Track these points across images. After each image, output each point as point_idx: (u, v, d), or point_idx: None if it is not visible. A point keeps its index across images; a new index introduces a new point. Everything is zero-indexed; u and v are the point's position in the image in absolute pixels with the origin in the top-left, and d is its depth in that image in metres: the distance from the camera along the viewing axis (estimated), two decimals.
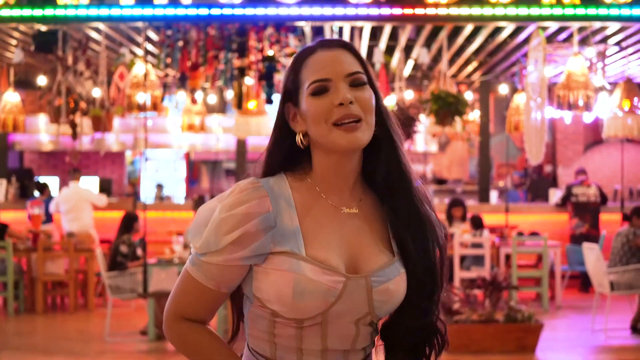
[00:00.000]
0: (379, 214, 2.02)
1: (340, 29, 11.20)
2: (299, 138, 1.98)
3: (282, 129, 2.01)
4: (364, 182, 2.03)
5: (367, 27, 11.02)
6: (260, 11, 9.84)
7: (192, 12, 9.91)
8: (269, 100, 10.30)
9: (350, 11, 9.87)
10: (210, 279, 1.93)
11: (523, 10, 9.86)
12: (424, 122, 12.27)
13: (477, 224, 11.46)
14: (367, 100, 1.94)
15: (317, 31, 11.42)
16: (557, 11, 9.89)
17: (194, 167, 19.40)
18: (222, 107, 16.35)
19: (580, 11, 9.86)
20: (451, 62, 13.06)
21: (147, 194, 16.52)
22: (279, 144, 2.01)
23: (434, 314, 2.03)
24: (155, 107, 10.39)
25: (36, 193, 13.39)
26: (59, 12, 9.92)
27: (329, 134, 1.91)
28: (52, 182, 15.68)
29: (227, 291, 1.96)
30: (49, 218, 12.61)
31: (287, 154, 2.01)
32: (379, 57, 11.45)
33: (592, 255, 9.81)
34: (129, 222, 10.44)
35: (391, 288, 1.94)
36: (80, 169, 13.29)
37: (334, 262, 1.91)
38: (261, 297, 1.92)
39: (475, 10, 9.87)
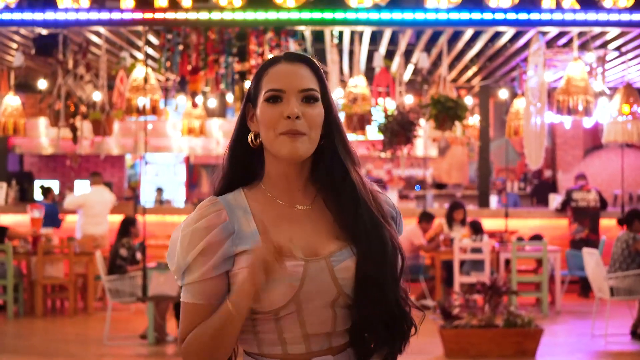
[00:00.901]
0: (332, 210, 2.14)
1: (341, 33, 11.21)
2: (250, 136, 2.13)
3: (241, 127, 2.16)
4: (316, 183, 2.14)
5: (367, 31, 11.03)
6: (260, 15, 9.86)
7: (193, 15, 9.92)
8: None
9: (350, 15, 9.88)
10: (199, 297, 2.06)
11: (523, 15, 9.88)
12: (424, 127, 12.27)
13: (476, 229, 11.46)
14: (315, 117, 2.07)
15: (317, 35, 11.44)
16: (557, 16, 9.91)
17: (194, 171, 19.40)
18: (222, 111, 16.37)
19: (580, 16, 9.88)
20: (451, 66, 13.07)
21: (147, 198, 16.51)
22: (238, 143, 2.16)
23: (395, 298, 2.08)
24: (154, 110, 10.39)
25: (38, 197, 13.41)
26: (60, 15, 9.94)
27: (274, 140, 2.05)
28: (52, 185, 15.69)
29: (217, 302, 2.05)
30: (53, 222, 12.60)
31: (245, 156, 2.15)
32: (379, 61, 11.45)
33: (591, 260, 9.81)
34: (126, 226, 10.44)
35: (351, 265, 2.06)
36: (99, 172, 13.40)
37: (290, 250, 2.03)
38: None
39: (475, 15, 9.89)
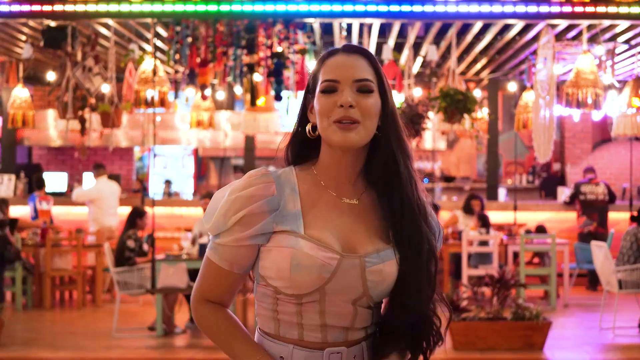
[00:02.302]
0: (378, 209, 2.16)
1: (349, 25, 11.19)
2: (308, 127, 2.17)
3: (302, 118, 2.21)
4: (366, 179, 2.17)
5: (376, 24, 11.01)
6: (269, 7, 9.84)
7: (201, 8, 9.91)
8: (278, 97, 10.29)
9: (359, 8, 9.86)
10: (224, 260, 2.12)
11: (532, 8, 9.84)
12: (433, 120, 12.25)
13: (484, 222, 11.46)
14: (369, 106, 2.09)
15: (326, 28, 11.42)
16: (567, 9, 9.86)
17: (202, 164, 19.41)
18: (230, 104, 16.36)
19: (590, 9, 9.84)
20: (460, 59, 13.04)
21: (155, 190, 16.54)
22: (297, 133, 2.21)
23: (426, 307, 2.14)
24: (163, 103, 10.40)
25: (48, 189, 13.43)
26: (68, 7, 9.93)
27: (327, 128, 2.08)
28: (60, 177, 15.72)
29: (239, 272, 2.13)
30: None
31: (304, 145, 2.20)
32: (387, 54, 11.43)
33: (600, 254, 9.79)
34: (133, 218, 10.46)
35: (384, 270, 2.09)
36: (103, 164, 13.46)
37: (329, 241, 2.07)
38: (264, 274, 2.10)
39: (485, 8, 9.86)
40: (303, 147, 2.20)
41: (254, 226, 2.07)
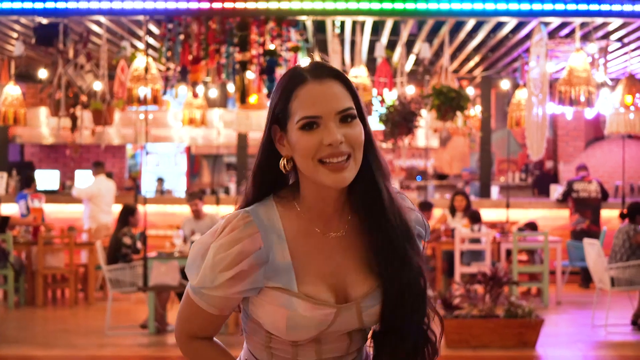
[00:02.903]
0: (366, 236, 2.04)
1: (342, 23, 11.18)
2: (282, 163, 2.00)
3: (268, 149, 2.02)
4: (350, 204, 2.04)
5: (369, 21, 10.99)
6: (261, 5, 9.82)
7: (194, 5, 9.89)
8: (270, 95, 10.27)
9: (352, 5, 9.85)
10: (212, 307, 2.02)
11: (525, 6, 9.84)
12: (425, 117, 12.25)
13: (474, 218, 11.46)
14: (357, 137, 1.94)
15: (319, 26, 11.40)
16: (559, 7, 9.87)
17: (195, 161, 19.38)
18: (223, 101, 16.33)
19: (583, 7, 9.84)
20: (453, 57, 13.04)
21: (147, 188, 16.51)
22: (266, 164, 2.03)
23: (416, 329, 2.06)
24: (155, 100, 10.37)
25: (39, 187, 13.41)
26: (60, 5, 9.90)
27: (315, 170, 1.93)
28: (52, 175, 15.67)
29: (229, 313, 2.07)
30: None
31: (274, 174, 2.04)
32: (380, 51, 11.42)
33: (592, 251, 9.80)
34: (125, 215, 10.44)
35: (380, 310, 2.02)
36: (102, 161, 13.49)
37: (324, 296, 1.97)
38: (257, 319, 2.03)
39: (477, 5, 9.86)
40: (271, 178, 2.04)
41: (244, 282, 1.96)
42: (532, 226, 12.32)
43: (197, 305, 2.03)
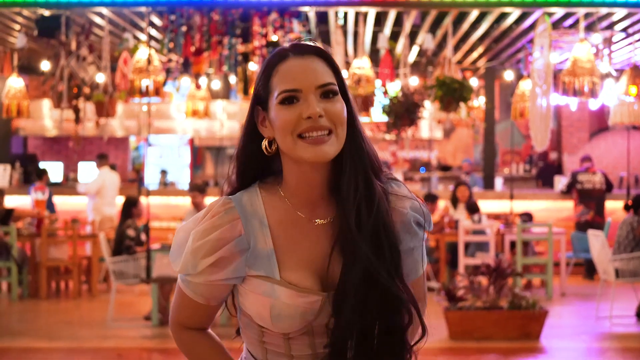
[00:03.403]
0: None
1: (345, 14, 11.14)
2: (264, 144, 1.95)
3: (251, 133, 1.98)
4: (334, 192, 1.95)
5: (372, 12, 10.96)
6: None
7: None
8: None
9: None
10: (199, 296, 2.00)
11: None
12: (429, 109, 12.22)
13: (472, 208, 11.45)
14: (338, 112, 1.89)
15: (322, 16, 11.37)
16: None
17: (198, 153, 19.38)
18: (226, 93, 16.31)
19: None
20: (456, 48, 13.00)
21: (151, 180, 16.51)
22: (248, 148, 1.99)
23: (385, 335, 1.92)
24: (157, 92, 10.35)
25: (35, 179, 13.41)
26: None
27: (294, 146, 1.87)
28: (56, 167, 15.68)
29: (217, 304, 2.03)
30: (48, 206, 12.59)
31: (258, 160, 1.99)
32: (383, 42, 11.39)
33: (597, 243, 9.78)
34: (128, 207, 10.43)
35: None
36: (106, 154, 13.52)
37: (308, 283, 1.91)
38: (245, 310, 1.98)
39: None
40: (256, 163, 1.99)
41: (225, 269, 1.92)
42: (528, 217, 12.28)
43: (185, 295, 2.01)
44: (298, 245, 1.94)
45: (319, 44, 1.99)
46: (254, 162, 1.99)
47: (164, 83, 10.43)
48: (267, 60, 1.96)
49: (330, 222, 1.94)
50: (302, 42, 1.97)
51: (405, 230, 1.96)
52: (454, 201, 12.11)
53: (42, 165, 14.74)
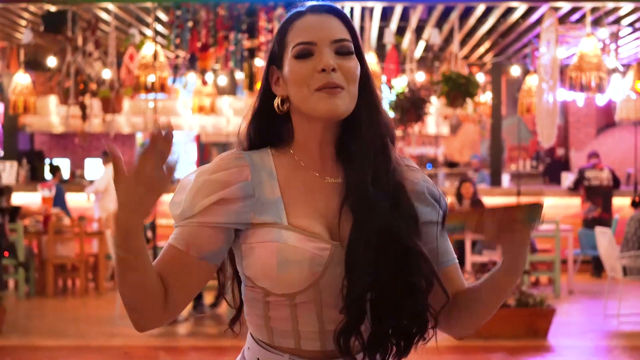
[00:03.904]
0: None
1: (351, 9, 11.12)
2: (277, 102, 1.92)
3: (266, 93, 1.95)
4: (344, 155, 1.92)
5: (378, 7, 10.93)
6: None
7: None
8: None
9: None
10: (181, 240, 1.86)
11: None
12: (435, 104, 12.19)
13: (477, 206, 11.39)
14: (352, 70, 1.86)
15: None
16: None
17: (205, 149, 19.38)
18: (232, 89, 16.30)
19: None
20: (463, 43, 12.96)
21: None
22: (263, 108, 1.95)
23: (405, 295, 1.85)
24: (163, 88, 10.33)
25: (48, 176, 13.42)
26: None
27: (309, 98, 1.84)
28: (62, 164, 15.69)
29: (195, 255, 1.85)
30: (61, 203, 12.61)
31: (270, 122, 1.95)
32: (389, 38, 11.36)
33: (604, 240, 9.74)
34: None
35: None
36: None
37: (317, 230, 1.85)
38: (250, 275, 1.87)
39: None
40: (269, 126, 1.95)
41: (223, 212, 1.84)
42: None
43: (167, 245, 1.88)
44: (307, 197, 1.89)
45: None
46: (265, 123, 1.96)
47: (174, 80, 10.42)
48: (283, 21, 1.94)
49: (340, 182, 1.90)
50: (319, 3, 1.95)
51: (419, 200, 1.93)
52: (459, 198, 12.07)
53: (54, 162, 14.75)
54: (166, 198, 1.88)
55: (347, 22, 1.92)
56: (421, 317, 1.87)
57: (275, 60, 1.93)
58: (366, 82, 1.91)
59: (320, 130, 1.89)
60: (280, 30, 1.93)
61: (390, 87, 11.39)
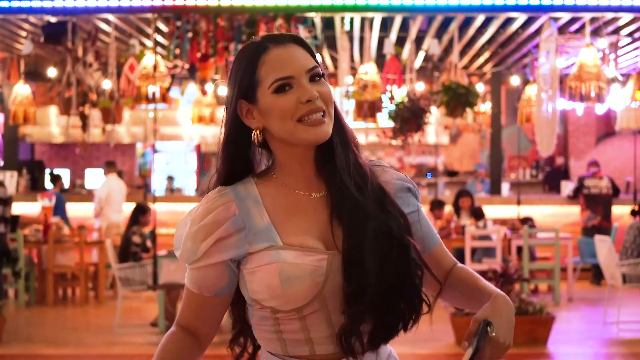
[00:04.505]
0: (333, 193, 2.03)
1: (351, 19, 11.15)
2: (255, 134, 2.00)
3: (235, 126, 2.02)
4: (323, 169, 2.02)
5: (378, 18, 10.96)
6: (270, 2, 9.81)
7: (202, 2, 9.88)
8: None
9: (360, 2, 9.82)
10: (193, 283, 2.02)
11: (535, 1, 9.79)
12: (435, 114, 12.21)
13: (477, 214, 11.41)
14: (327, 93, 1.97)
15: (327, 22, 11.38)
16: (569, 1, 9.81)
17: (205, 159, 19.39)
18: None
19: (592, 2, 9.80)
20: (462, 53, 13.00)
21: (157, 186, 16.52)
22: (233, 142, 2.03)
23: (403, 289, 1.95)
24: (164, 98, 10.36)
25: (49, 185, 13.44)
26: (68, 3, 9.92)
27: (294, 130, 1.93)
28: (63, 174, 15.70)
29: (209, 295, 2.01)
30: (62, 212, 12.62)
31: (244, 153, 2.04)
32: (389, 48, 11.39)
33: (604, 248, 9.75)
34: (136, 214, 10.45)
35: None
36: (113, 161, 13.58)
37: (311, 243, 1.94)
38: (257, 298, 1.96)
39: (487, 1, 9.82)
40: (241, 156, 2.04)
41: (225, 250, 1.96)
42: (527, 221, 12.17)
43: (185, 288, 2.05)
44: (296, 216, 1.98)
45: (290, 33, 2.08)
46: (240, 155, 2.04)
47: (169, 89, 10.44)
48: (245, 54, 2.00)
49: (325, 196, 2.00)
50: (274, 33, 2.04)
51: (397, 197, 2.05)
52: (457, 210, 12.08)
53: (47, 172, 14.76)
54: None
55: (307, 47, 2.01)
56: (418, 305, 1.98)
57: (244, 94, 1.99)
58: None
59: (303, 151, 1.99)
60: (248, 65, 1.98)
61: (392, 97, 11.40)
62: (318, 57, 2.04)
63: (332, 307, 1.92)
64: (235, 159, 2.04)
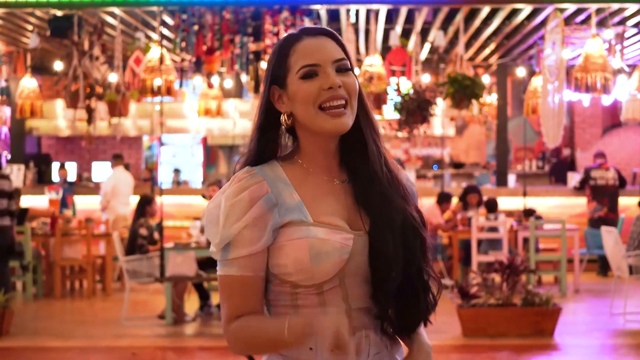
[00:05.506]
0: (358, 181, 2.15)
1: (357, 11, 11.15)
2: (283, 117, 2.10)
3: (267, 111, 2.12)
4: (343, 159, 2.14)
5: (383, 9, 10.95)
6: None
7: None
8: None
9: None
10: (247, 270, 2.03)
11: None
12: (441, 106, 12.20)
13: (491, 207, 11.40)
14: (352, 85, 2.07)
15: (333, 14, 11.37)
16: None
17: (211, 152, 19.42)
18: (238, 92, 16.33)
19: None
20: (468, 45, 12.98)
21: (164, 179, 16.55)
22: (266, 124, 2.13)
23: (414, 272, 2.08)
24: (169, 91, 10.37)
25: (55, 178, 13.48)
26: None
27: (315, 117, 2.04)
28: (69, 167, 15.73)
29: (263, 273, 2.05)
30: (65, 204, 12.66)
31: (273, 137, 2.13)
32: (395, 40, 11.38)
33: (610, 239, 9.75)
34: (142, 206, 10.46)
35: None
36: (120, 154, 13.61)
37: (339, 223, 2.04)
38: (279, 272, 2.03)
39: None
40: (273, 139, 2.13)
41: (262, 228, 2.00)
42: (530, 213, 12.14)
43: (231, 278, 2.03)
44: (323, 199, 2.07)
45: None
46: (270, 135, 2.13)
47: (180, 83, 10.46)
48: (280, 45, 2.12)
49: (347, 183, 2.11)
50: (311, 26, 2.16)
51: (407, 188, 2.18)
52: (464, 206, 12.06)
53: (54, 165, 14.81)
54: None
55: (339, 42, 2.12)
56: (432, 298, 2.11)
57: (276, 80, 2.10)
58: (359, 92, 2.11)
59: (326, 141, 2.10)
60: (280, 53, 2.11)
61: (398, 89, 11.37)
62: (352, 54, 2.11)
63: (350, 283, 2.02)
64: (267, 142, 2.11)
